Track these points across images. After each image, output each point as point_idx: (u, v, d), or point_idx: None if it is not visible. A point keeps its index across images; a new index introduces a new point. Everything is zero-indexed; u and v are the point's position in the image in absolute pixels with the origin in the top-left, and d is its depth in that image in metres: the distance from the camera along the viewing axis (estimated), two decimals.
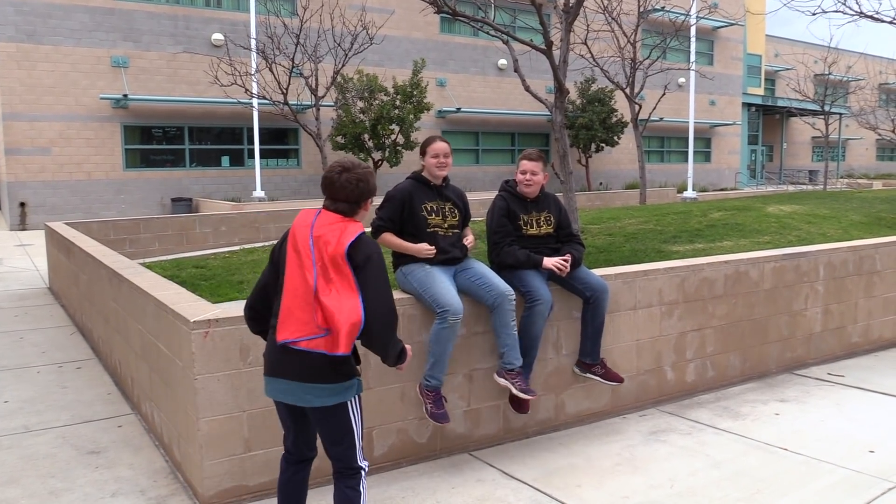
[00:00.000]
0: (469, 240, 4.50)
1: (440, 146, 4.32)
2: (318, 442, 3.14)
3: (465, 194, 4.61)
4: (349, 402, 2.96)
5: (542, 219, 4.77)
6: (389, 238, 4.30)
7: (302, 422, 3.09)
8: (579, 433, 4.92)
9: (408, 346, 3.04)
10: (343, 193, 2.96)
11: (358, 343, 2.95)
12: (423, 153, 4.37)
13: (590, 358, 4.89)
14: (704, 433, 4.89)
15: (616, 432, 4.94)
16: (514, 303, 4.33)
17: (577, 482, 4.15)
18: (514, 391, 4.39)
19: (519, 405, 4.66)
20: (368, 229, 3.78)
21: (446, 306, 4.06)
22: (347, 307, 2.81)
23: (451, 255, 4.33)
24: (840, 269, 6.69)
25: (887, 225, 10.75)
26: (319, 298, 2.83)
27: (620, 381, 4.93)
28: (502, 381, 4.44)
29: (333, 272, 2.84)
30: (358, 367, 3.01)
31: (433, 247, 4.25)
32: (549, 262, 4.56)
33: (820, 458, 4.43)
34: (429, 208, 4.31)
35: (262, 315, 3.10)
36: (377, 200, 4.40)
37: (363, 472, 3.04)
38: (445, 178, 4.44)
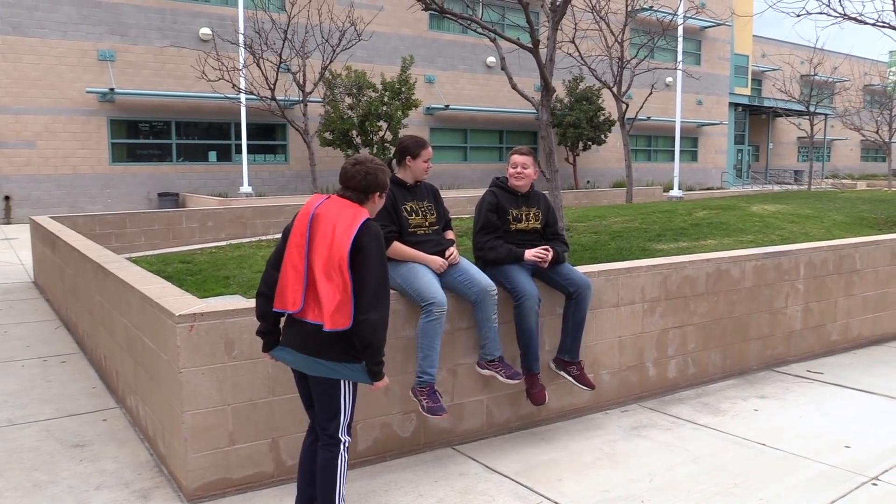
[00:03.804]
0: (453, 253, 4.44)
1: (431, 151, 4.40)
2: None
3: (437, 189, 4.64)
4: (342, 382, 3.22)
5: (532, 214, 4.85)
6: (401, 248, 4.26)
7: (310, 392, 3.35)
8: (561, 428, 4.98)
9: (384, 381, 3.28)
10: (353, 182, 3.25)
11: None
12: (413, 156, 4.32)
13: (568, 355, 4.90)
14: (684, 428, 4.96)
15: (597, 427, 5.00)
16: (496, 297, 4.39)
17: (558, 476, 4.20)
18: (502, 379, 4.49)
19: (535, 397, 4.70)
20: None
21: (431, 299, 4.10)
22: (333, 285, 3.02)
23: (438, 250, 4.38)
24: (820, 268, 6.78)
25: (869, 225, 10.89)
26: (311, 275, 3.09)
27: (592, 387, 4.90)
28: (486, 371, 4.54)
29: (329, 251, 3.06)
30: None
31: (441, 258, 4.31)
32: (530, 253, 4.67)
33: (797, 454, 4.51)
34: (408, 209, 4.33)
35: (271, 297, 3.27)
36: None
37: (342, 445, 3.28)
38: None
